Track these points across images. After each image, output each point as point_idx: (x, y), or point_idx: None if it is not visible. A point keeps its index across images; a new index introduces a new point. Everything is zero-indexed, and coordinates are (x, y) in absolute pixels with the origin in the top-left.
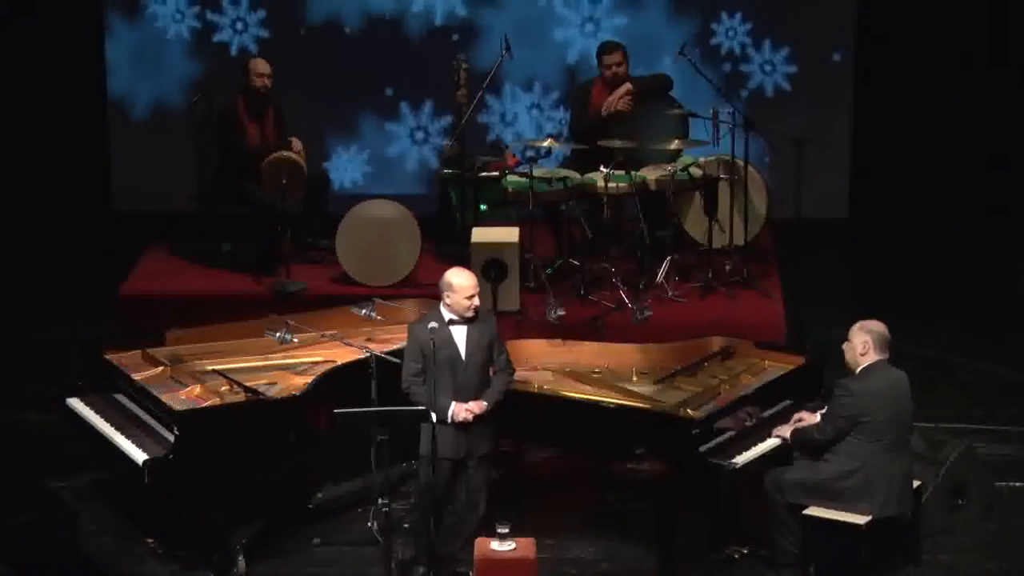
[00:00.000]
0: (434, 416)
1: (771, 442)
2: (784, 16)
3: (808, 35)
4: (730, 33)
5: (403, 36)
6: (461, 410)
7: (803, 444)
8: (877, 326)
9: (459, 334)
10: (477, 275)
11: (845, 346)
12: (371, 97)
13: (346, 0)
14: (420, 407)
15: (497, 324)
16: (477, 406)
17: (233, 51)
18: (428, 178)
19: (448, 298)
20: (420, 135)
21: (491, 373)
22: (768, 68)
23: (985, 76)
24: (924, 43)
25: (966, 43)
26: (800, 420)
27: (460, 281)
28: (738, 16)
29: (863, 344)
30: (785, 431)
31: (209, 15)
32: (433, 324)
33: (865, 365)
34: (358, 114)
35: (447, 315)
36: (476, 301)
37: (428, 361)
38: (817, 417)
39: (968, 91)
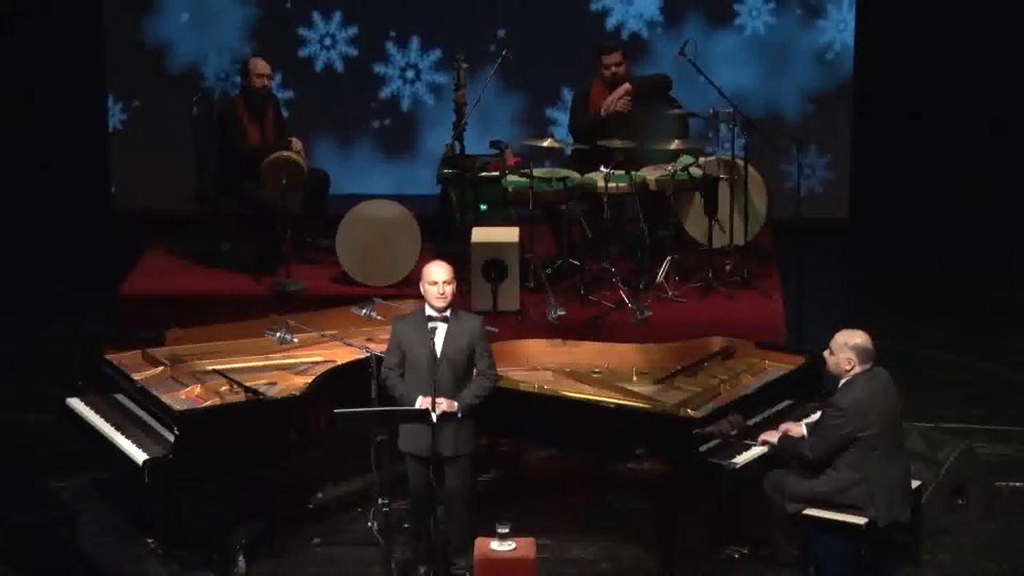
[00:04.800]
0: (434, 416)
1: None
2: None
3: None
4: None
5: None
6: (427, 403)
7: (794, 458)
8: (861, 340)
9: (438, 332)
10: (477, 275)
11: (828, 356)
12: None
13: None
14: (402, 398)
15: (496, 324)
16: (448, 405)
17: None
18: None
19: (422, 289)
20: None
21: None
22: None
23: (985, 75)
24: (925, 42)
25: (967, 42)
26: (787, 430)
27: (428, 269)
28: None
29: (847, 361)
30: (772, 437)
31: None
32: (432, 324)
33: (848, 379)
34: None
35: (429, 312)
36: (444, 289)
37: (406, 357)
38: (803, 427)
39: (968, 90)
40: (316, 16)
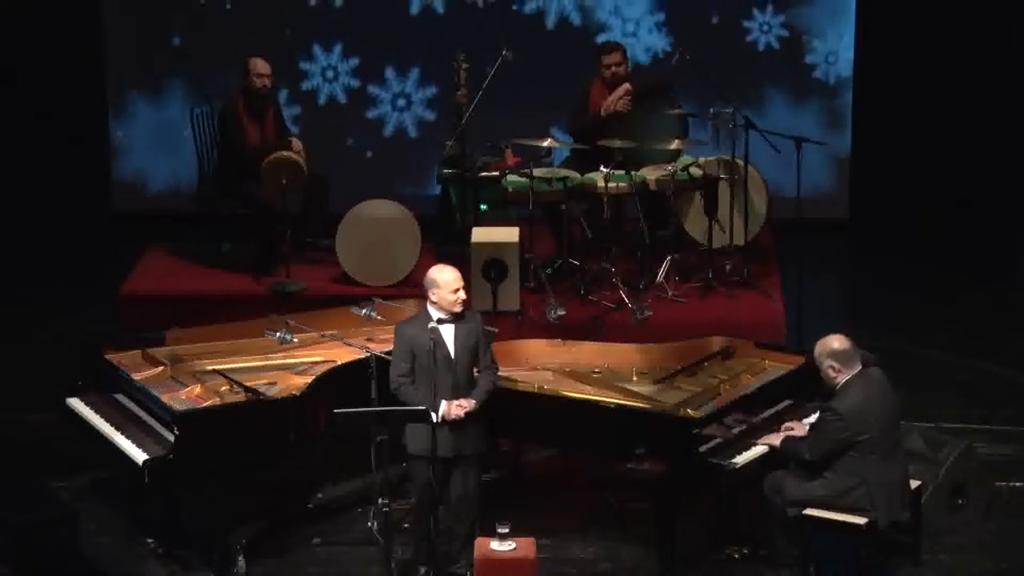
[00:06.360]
0: (435, 416)
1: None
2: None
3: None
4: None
5: None
6: (453, 407)
7: (794, 459)
8: (837, 344)
9: (448, 333)
10: (477, 275)
11: (819, 370)
12: None
13: None
14: (421, 407)
15: (496, 324)
16: (468, 403)
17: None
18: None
19: (434, 295)
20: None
21: (475, 372)
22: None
23: (985, 76)
24: (925, 43)
25: (968, 44)
26: (790, 429)
27: (444, 276)
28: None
29: (832, 368)
30: (774, 439)
31: None
32: (433, 324)
33: (842, 383)
34: None
35: (435, 314)
36: (462, 295)
37: (417, 361)
38: (806, 426)
39: (968, 91)
40: (317, 48)
